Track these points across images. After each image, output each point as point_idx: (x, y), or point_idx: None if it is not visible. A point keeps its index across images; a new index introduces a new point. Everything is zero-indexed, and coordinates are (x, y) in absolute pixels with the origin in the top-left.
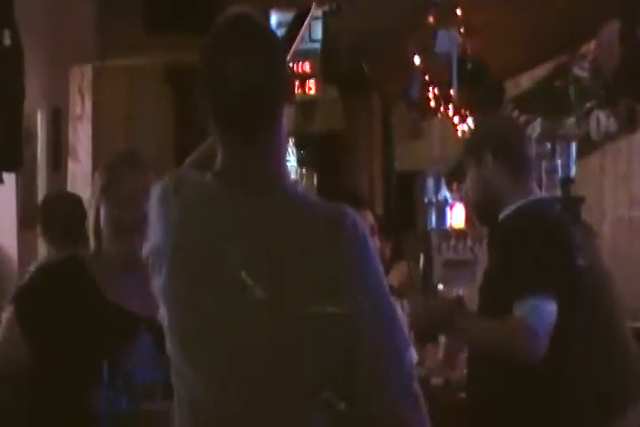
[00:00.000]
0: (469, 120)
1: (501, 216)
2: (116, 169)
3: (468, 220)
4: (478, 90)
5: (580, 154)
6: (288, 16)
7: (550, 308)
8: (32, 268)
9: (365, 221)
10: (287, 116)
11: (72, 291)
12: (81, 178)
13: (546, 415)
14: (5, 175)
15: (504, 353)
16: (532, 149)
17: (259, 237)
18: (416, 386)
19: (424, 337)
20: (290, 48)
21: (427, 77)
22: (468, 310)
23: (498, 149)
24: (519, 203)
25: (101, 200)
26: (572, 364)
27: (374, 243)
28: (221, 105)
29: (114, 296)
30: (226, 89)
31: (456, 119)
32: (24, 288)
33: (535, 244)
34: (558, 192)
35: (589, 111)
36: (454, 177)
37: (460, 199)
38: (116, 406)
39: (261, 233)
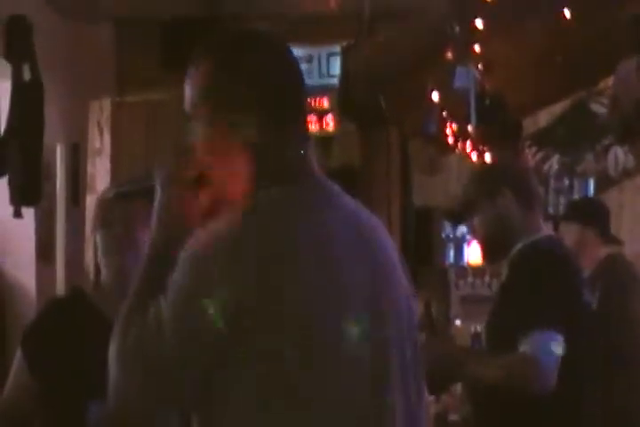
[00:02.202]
0: (487, 156)
1: (512, 252)
2: (101, 200)
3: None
4: (496, 126)
5: (598, 190)
6: (305, 51)
7: (558, 342)
8: None
9: None
10: None
11: (76, 323)
12: None
13: None
14: (24, 210)
15: (514, 389)
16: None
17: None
18: None
19: (435, 389)
20: None
21: (444, 113)
22: (475, 351)
23: (516, 186)
24: (530, 239)
25: (95, 231)
26: (579, 396)
27: None
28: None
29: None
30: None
31: (474, 155)
32: (29, 327)
33: (544, 279)
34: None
35: (607, 147)
36: (453, 218)
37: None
38: None
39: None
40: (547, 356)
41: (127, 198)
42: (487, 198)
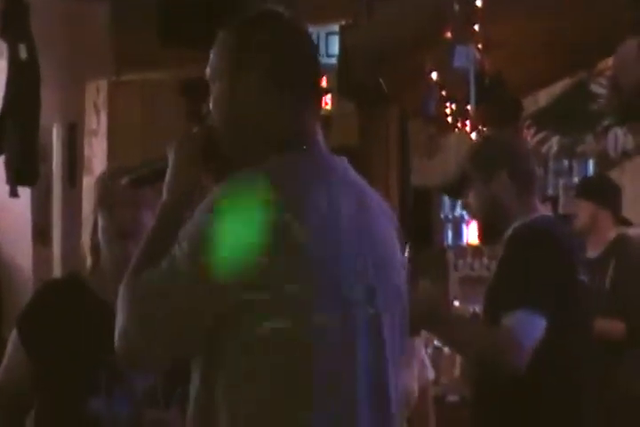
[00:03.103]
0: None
1: (508, 232)
2: (108, 181)
3: None
4: (496, 106)
5: (598, 171)
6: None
7: (539, 323)
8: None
9: None
10: None
11: (72, 306)
12: None
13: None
14: (20, 190)
15: (486, 359)
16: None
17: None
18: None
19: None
20: None
21: (444, 93)
22: (455, 312)
23: (513, 166)
24: (525, 219)
25: (97, 212)
26: (570, 378)
27: None
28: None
29: (114, 307)
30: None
31: (473, 135)
32: (25, 309)
33: (536, 259)
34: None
35: (607, 128)
36: (451, 193)
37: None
38: (117, 414)
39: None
40: (523, 335)
41: (141, 184)
42: (483, 178)
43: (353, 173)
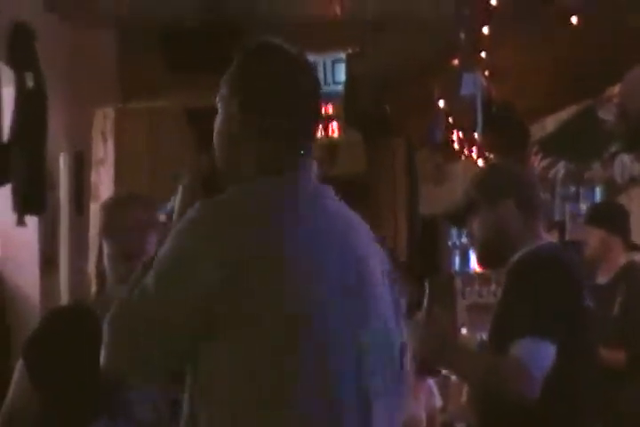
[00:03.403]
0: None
1: (513, 259)
2: (112, 207)
3: None
4: (503, 133)
5: (605, 198)
6: (310, 58)
7: (548, 352)
8: None
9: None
10: None
11: (78, 334)
12: None
13: None
14: (28, 218)
15: (497, 390)
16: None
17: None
18: None
19: (425, 369)
20: None
21: (451, 120)
22: (462, 344)
23: (520, 195)
24: (532, 246)
25: (102, 238)
26: (577, 406)
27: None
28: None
29: None
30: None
31: (480, 162)
32: (31, 337)
33: (543, 285)
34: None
35: (614, 155)
36: (455, 220)
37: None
38: None
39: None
40: (534, 364)
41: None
42: (488, 205)
43: (337, 204)
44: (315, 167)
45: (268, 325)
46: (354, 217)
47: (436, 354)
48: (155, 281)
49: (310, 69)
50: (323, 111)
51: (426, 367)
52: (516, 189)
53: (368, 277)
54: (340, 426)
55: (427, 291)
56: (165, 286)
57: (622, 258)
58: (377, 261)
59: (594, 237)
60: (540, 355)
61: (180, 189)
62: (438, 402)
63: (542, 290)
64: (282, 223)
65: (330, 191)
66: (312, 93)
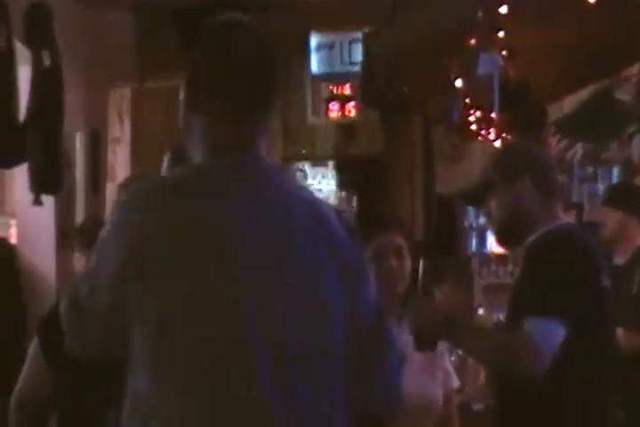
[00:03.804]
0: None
1: (531, 239)
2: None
3: None
4: (519, 112)
5: (622, 178)
6: (327, 38)
7: (558, 332)
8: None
9: (389, 243)
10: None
11: None
12: None
13: None
14: (44, 198)
15: (504, 366)
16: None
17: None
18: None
19: (423, 343)
20: None
21: (468, 100)
22: (471, 322)
23: (536, 174)
24: (548, 227)
25: None
26: (592, 385)
27: (404, 265)
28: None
29: None
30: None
31: (497, 142)
32: (47, 315)
33: (559, 266)
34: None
35: (632, 135)
36: (473, 200)
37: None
38: None
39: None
40: (543, 341)
41: None
42: (506, 183)
43: (288, 186)
44: (262, 145)
45: (175, 302)
46: (298, 197)
47: (434, 330)
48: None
49: (258, 47)
50: (338, 91)
51: (423, 342)
52: (533, 168)
53: (293, 253)
54: (255, 393)
55: (421, 266)
56: (89, 268)
57: (639, 239)
58: (319, 237)
59: (611, 218)
60: (550, 333)
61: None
62: (455, 382)
63: (558, 270)
64: (190, 207)
65: (272, 172)
66: (252, 71)
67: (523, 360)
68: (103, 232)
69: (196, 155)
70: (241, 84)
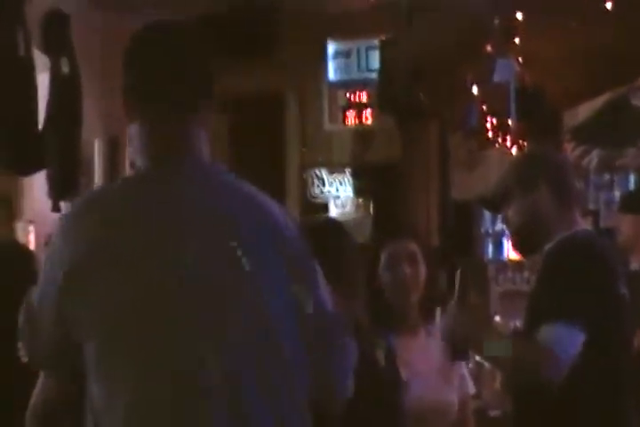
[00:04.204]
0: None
1: (548, 246)
2: None
3: None
4: (536, 120)
5: (639, 185)
6: (344, 45)
7: (577, 338)
8: None
9: (403, 250)
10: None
11: None
12: None
13: None
14: (63, 204)
15: (523, 373)
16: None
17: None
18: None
19: (455, 353)
20: None
21: (484, 107)
22: (493, 329)
23: (553, 180)
24: (567, 233)
25: None
26: (611, 392)
27: (419, 271)
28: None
29: None
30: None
31: (514, 149)
32: None
33: (577, 272)
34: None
35: None
36: (491, 206)
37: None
38: None
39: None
40: (561, 348)
41: None
42: (523, 190)
43: (228, 184)
44: (200, 143)
45: (118, 311)
46: (238, 193)
47: (468, 339)
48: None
49: (180, 48)
50: (355, 98)
51: (457, 351)
52: (551, 175)
53: (234, 253)
54: (195, 408)
55: (459, 276)
56: (39, 280)
57: None
58: (264, 236)
59: (627, 224)
60: (568, 340)
61: None
62: (471, 389)
63: (576, 276)
64: (128, 214)
65: (211, 171)
66: (174, 71)
67: (541, 368)
68: (49, 246)
69: (139, 163)
70: (162, 86)
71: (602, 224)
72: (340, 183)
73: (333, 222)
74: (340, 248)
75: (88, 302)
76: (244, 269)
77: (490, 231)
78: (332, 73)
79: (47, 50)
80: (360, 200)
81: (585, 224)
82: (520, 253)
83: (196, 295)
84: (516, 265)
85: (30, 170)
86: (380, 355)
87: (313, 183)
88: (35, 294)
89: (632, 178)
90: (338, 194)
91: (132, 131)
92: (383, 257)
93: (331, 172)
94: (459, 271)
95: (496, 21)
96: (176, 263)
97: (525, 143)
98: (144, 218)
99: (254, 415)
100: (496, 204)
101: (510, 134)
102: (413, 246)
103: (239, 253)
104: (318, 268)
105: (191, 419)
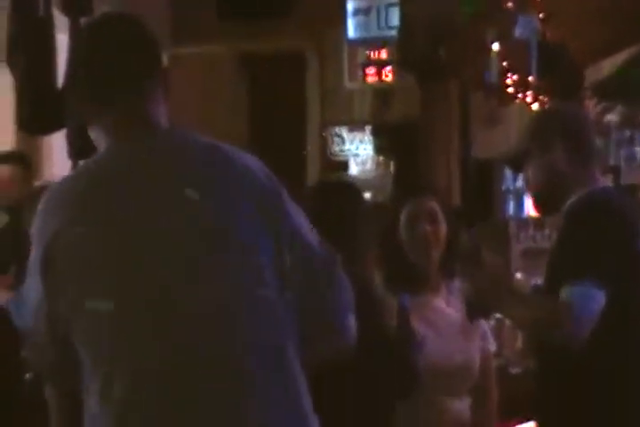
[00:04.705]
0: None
1: (567, 204)
2: None
3: None
4: (557, 76)
5: None
6: (364, 2)
7: (598, 297)
8: None
9: (423, 207)
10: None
11: None
12: None
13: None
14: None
15: (544, 332)
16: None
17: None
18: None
19: (476, 313)
20: None
21: (505, 64)
22: (518, 288)
23: (569, 138)
24: (585, 191)
25: None
26: (632, 351)
27: (440, 229)
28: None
29: None
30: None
31: (534, 106)
32: None
33: (596, 230)
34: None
35: None
36: (513, 165)
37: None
38: None
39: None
40: (581, 307)
41: None
42: (539, 149)
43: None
44: (157, 113)
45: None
46: (205, 150)
47: (492, 299)
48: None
49: (122, 33)
50: (375, 56)
51: (480, 311)
52: (566, 134)
53: (212, 214)
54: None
55: (472, 237)
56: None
57: None
58: (240, 190)
59: None
60: (590, 299)
61: None
62: (492, 346)
63: (595, 236)
64: (98, 197)
65: (174, 135)
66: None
67: (562, 327)
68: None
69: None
70: (106, 67)
71: (623, 181)
72: (361, 141)
73: (347, 184)
74: (352, 209)
75: (71, 272)
76: (229, 228)
77: (511, 189)
78: (351, 31)
79: (67, 10)
80: (380, 158)
81: (605, 182)
82: (540, 212)
83: (166, 251)
84: (537, 222)
85: (49, 129)
86: (392, 313)
87: (333, 141)
88: (23, 289)
89: None
90: (358, 152)
91: (93, 129)
92: (403, 215)
93: (351, 130)
94: (471, 230)
95: None
96: (148, 228)
97: (547, 99)
98: (115, 199)
99: (248, 375)
100: (518, 163)
101: (531, 91)
102: (434, 204)
103: (219, 215)
104: (299, 210)
105: (187, 386)
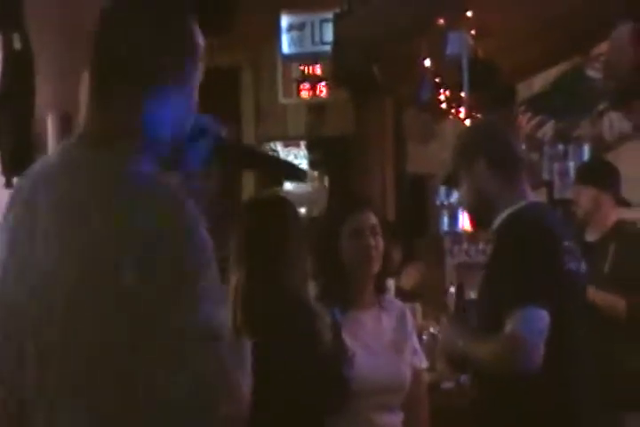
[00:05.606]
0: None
1: (496, 222)
2: None
3: None
4: (489, 92)
5: (593, 155)
6: (298, 18)
7: (540, 316)
8: None
9: (366, 221)
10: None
11: None
12: None
13: (550, 418)
14: (16, 180)
15: (503, 369)
16: (523, 151)
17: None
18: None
19: (454, 368)
20: None
21: (438, 80)
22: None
23: (492, 154)
24: (512, 208)
25: None
26: (572, 367)
27: (379, 243)
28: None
29: None
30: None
31: (467, 121)
32: None
33: (528, 251)
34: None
35: (602, 112)
36: (449, 184)
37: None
38: None
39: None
40: (530, 333)
41: None
42: (464, 169)
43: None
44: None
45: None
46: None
47: (458, 354)
48: None
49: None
50: (309, 71)
51: (455, 365)
52: (488, 146)
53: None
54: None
55: (455, 292)
56: None
57: (613, 215)
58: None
59: (584, 196)
60: (532, 323)
61: None
62: (424, 362)
63: (527, 257)
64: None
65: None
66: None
67: (515, 359)
68: None
69: None
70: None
71: (556, 195)
72: (295, 156)
73: (280, 199)
74: (286, 224)
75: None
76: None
77: (445, 203)
78: (285, 46)
79: None
80: (315, 173)
81: (535, 196)
82: (474, 227)
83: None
84: (471, 237)
85: None
86: (325, 329)
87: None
88: None
89: (586, 149)
90: None
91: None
92: (346, 229)
93: (286, 145)
94: (456, 286)
95: None
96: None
97: (479, 115)
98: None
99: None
100: (451, 181)
101: (464, 106)
102: (374, 218)
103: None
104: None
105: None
